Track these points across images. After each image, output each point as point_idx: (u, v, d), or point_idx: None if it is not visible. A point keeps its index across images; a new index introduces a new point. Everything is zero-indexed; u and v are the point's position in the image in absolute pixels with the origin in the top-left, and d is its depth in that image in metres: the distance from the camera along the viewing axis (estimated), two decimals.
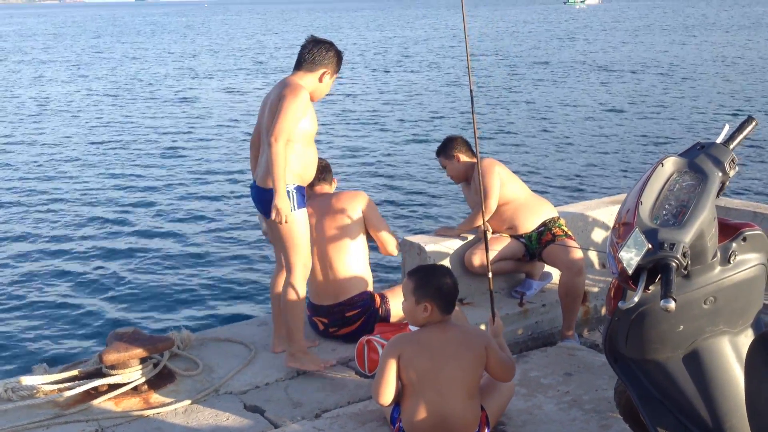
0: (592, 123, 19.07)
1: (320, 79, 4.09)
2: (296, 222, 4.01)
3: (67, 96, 26.55)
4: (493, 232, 5.07)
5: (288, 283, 4.10)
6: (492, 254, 4.95)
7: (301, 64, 4.09)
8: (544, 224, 5.00)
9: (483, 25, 73.81)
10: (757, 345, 2.20)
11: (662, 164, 2.46)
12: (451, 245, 5.13)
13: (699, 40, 46.53)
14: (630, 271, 2.24)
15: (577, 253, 4.80)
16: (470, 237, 5.17)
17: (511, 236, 5.05)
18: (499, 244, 4.99)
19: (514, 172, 5.29)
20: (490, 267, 3.86)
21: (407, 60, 38.56)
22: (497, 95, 24.50)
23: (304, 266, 4.10)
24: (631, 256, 2.23)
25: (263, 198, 4.01)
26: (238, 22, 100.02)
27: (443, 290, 3.05)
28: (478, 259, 4.98)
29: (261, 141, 4.09)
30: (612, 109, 21.09)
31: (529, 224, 5.00)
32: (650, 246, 2.23)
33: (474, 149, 5.22)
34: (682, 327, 2.50)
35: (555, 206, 5.39)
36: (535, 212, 5.02)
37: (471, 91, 3.85)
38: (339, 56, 4.18)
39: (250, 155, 4.31)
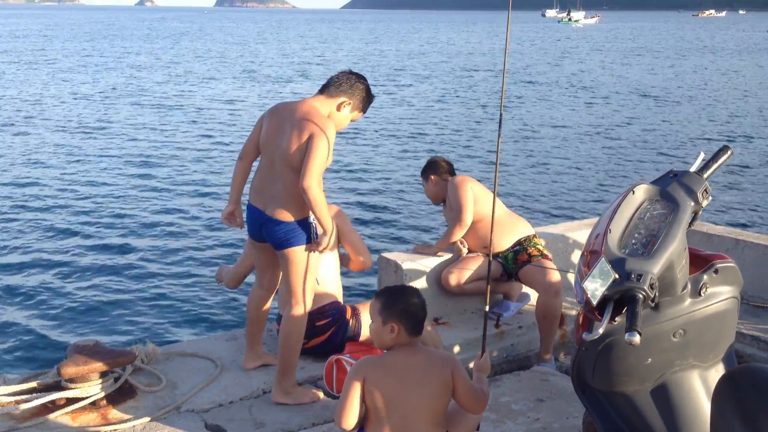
0: (577, 144, 19.07)
1: (338, 108, 3.91)
2: (313, 256, 3.90)
3: (46, 99, 26.24)
4: (468, 251, 4.99)
5: (292, 318, 3.92)
6: (468, 273, 4.90)
7: (324, 89, 3.93)
8: (519, 243, 4.91)
9: (476, 41, 74.14)
10: (725, 383, 2.12)
11: (633, 191, 2.39)
12: (428, 263, 5.04)
13: (690, 63, 46.87)
14: (594, 302, 2.15)
15: (555, 275, 4.72)
16: (447, 256, 5.09)
17: (486, 256, 4.96)
18: (475, 263, 4.91)
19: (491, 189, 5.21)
20: (488, 301, 3.40)
21: (397, 73, 38.58)
22: (482, 112, 24.49)
23: (309, 300, 3.97)
24: (596, 287, 2.14)
25: (278, 230, 3.83)
26: (234, 29, 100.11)
27: (410, 311, 2.95)
28: (454, 278, 4.90)
29: (267, 163, 3.86)
30: (598, 130, 21.12)
31: (504, 242, 4.91)
32: (617, 276, 2.15)
33: (455, 171, 5.16)
34: (650, 360, 2.42)
35: (536, 226, 5.31)
36: (510, 230, 4.94)
37: (501, 115, 3.56)
38: (368, 93, 3.99)
39: (236, 170, 4.01)
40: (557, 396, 4.02)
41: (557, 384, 4.18)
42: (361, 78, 3.99)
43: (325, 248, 3.84)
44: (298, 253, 3.85)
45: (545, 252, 4.94)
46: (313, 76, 36.58)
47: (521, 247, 4.91)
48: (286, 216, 3.81)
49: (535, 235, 5.03)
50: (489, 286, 3.38)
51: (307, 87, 31.39)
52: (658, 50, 60.95)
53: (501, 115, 3.27)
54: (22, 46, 56.38)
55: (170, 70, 39.17)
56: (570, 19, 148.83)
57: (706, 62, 47.64)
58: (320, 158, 3.69)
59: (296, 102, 3.93)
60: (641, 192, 2.40)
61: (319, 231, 3.88)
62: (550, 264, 4.80)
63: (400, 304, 2.94)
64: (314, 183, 3.68)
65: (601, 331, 2.15)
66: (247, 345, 4.32)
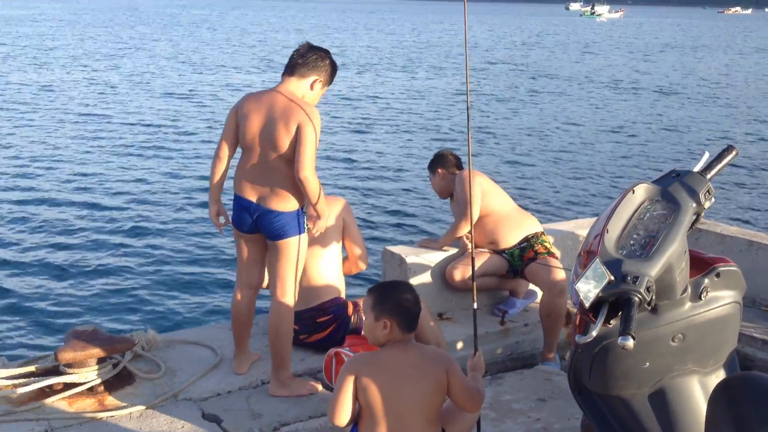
0: (593, 140, 18.91)
1: (311, 87, 3.89)
2: (303, 247, 3.90)
3: (58, 85, 26.26)
4: (475, 246, 4.92)
5: (281, 310, 3.91)
6: None
7: (293, 70, 3.87)
8: (526, 239, 4.84)
9: (498, 34, 73.72)
10: (721, 390, 2.06)
11: (633, 191, 2.32)
12: (433, 258, 4.99)
13: (714, 61, 46.33)
14: (587, 304, 2.09)
15: (560, 273, 4.65)
16: (453, 250, 5.03)
17: (493, 251, 4.90)
18: (481, 259, 4.84)
19: (506, 186, 5.16)
20: (475, 297, 3.39)
21: (412, 65, 38.41)
22: (497, 106, 24.36)
23: (297, 290, 3.97)
24: (589, 288, 2.08)
25: (275, 221, 3.82)
26: (254, 17, 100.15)
27: (403, 306, 2.90)
28: (459, 273, 4.84)
29: (257, 157, 3.82)
30: (615, 127, 20.93)
31: (510, 239, 4.84)
32: (612, 278, 2.09)
33: (462, 165, 5.11)
34: (648, 364, 2.36)
35: (545, 223, 5.24)
36: (517, 226, 4.87)
37: (468, 108, 3.63)
38: (334, 67, 3.97)
39: (215, 170, 3.93)
40: (560, 396, 3.97)
41: (560, 384, 4.12)
42: (325, 51, 3.96)
43: (319, 232, 3.89)
44: (292, 243, 3.86)
45: (552, 250, 4.87)
46: None
47: (528, 243, 4.84)
48: (283, 206, 3.81)
49: (543, 232, 4.96)
50: (475, 283, 3.35)
51: None
52: (681, 47, 60.35)
53: (468, 107, 3.52)
54: (42, 31, 56.64)
55: (187, 57, 39.20)
56: (593, 13, 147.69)
57: (730, 60, 47.12)
58: (312, 146, 3.70)
59: (269, 91, 3.88)
60: (641, 191, 2.33)
61: (309, 222, 3.90)
62: (555, 262, 4.74)
63: (392, 299, 2.90)
64: (311, 172, 3.70)
65: (594, 333, 2.10)
66: (237, 349, 4.19)
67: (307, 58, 3.86)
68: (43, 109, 20.88)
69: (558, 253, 4.97)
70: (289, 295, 3.93)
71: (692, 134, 20.25)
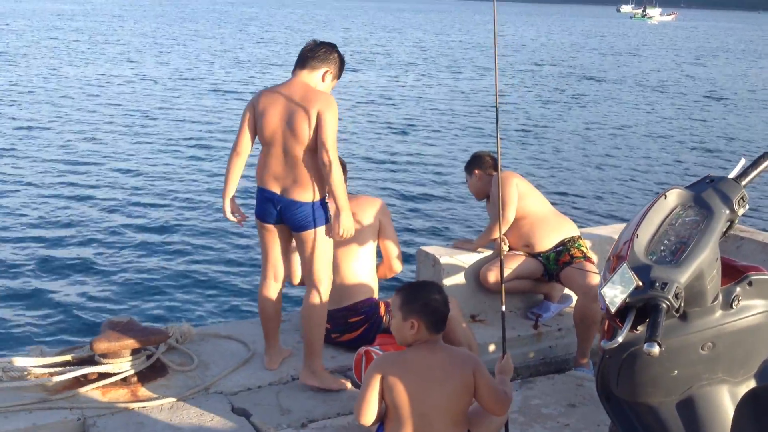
0: (637, 144, 18.61)
1: (323, 78, 3.99)
2: (327, 236, 3.96)
3: (107, 79, 26.61)
4: (509, 249, 4.89)
5: (313, 300, 3.98)
6: (507, 272, 4.78)
7: (304, 63, 3.98)
8: (562, 243, 4.79)
9: (546, 35, 73.13)
10: (747, 400, 2.01)
11: (665, 196, 2.28)
12: (467, 259, 4.97)
13: (760, 66, 45.34)
14: (613, 310, 2.06)
15: (595, 278, 4.59)
16: (487, 252, 5.00)
17: (528, 254, 4.86)
18: (515, 262, 4.81)
19: (545, 188, 5.12)
20: (503, 299, 3.35)
21: (458, 65, 38.26)
22: (541, 108, 24.12)
23: (329, 281, 4.03)
24: (615, 293, 2.05)
25: (300, 211, 3.89)
26: (302, 16, 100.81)
27: (431, 306, 2.89)
28: (493, 275, 4.81)
29: (279, 150, 3.88)
30: (660, 131, 20.57)
31: (546, 242, 4.80)
32: (640, 283, 2.05)
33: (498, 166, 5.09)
34: (676, 372, 2.32)
35: (583, 227, 5.18)
36: (554, 229, 4.82)
37: (497, 109, 3.62)
38: (341, 60, 4.08)
39: (234, 165, 4.00)
40: (590, 402, 3.92)
41: (591, 390, 4.06)
42: (333, 45, 4.08)
43: (345, 233, 3.87)
44: (319, 233, 3.92)
45: (589, 254, 4.81)
46: (375, 64, 36.57)
47: (564, 247, 4.79)
48: (306, 197, 3.87)
49: (580, 236, 4.90)
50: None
51: (368, 75, 31.38)
52: (733, 51, 59.21)
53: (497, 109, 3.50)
54: (93, 26, 57.72)
55: (234, 54, 39.58)
56: (644, 16, 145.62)
57: None
58: (334, 130, 3.80)
59: (283, 84, 3.98)
60: (674, 197, 2.29)
61: (331, 209, 3.93)
62: (591, 267, 4.68)
63: (421, 299, 2.89)
64: (335, 157, 3.78)
65: (620, 339, 2.06)
66: (268, 343, 4.22)
67: (316, 52, 3.99)
68: (92, 104, 21.22)
69: (595, 258, 4.91)
70: (320, 284, 3.97)
71: (739, 141, 19.84)
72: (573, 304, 5.03)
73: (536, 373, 4.67)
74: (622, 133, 20.11)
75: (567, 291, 5.09)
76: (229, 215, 4.10)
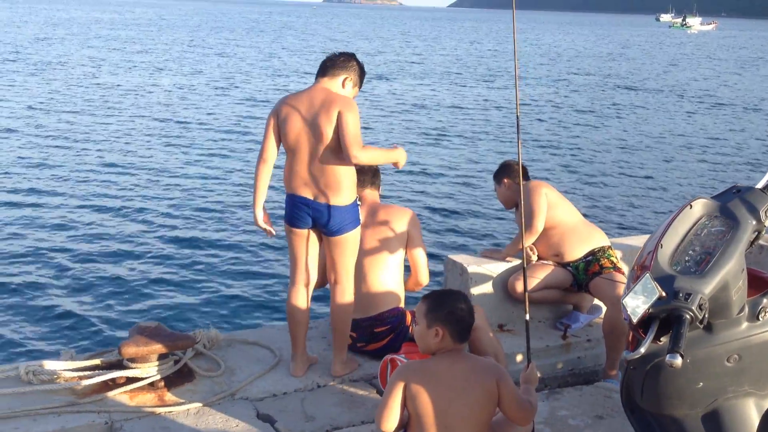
0: (672, 154, 18.40)
1: (343, 85, 4.07)
2: (358, 238, 4.13)
3: (143, 88, 27.01)
4: (538, 259, 4.85)
5: (343, 296, 4.13)
6: (536, 282, 4.74)
7: (324, 71, 4.08)
8: (592, 253, 4.74)
9: (583, 45, 72.65)
10: None
11: (691, 206, 2.25)
12: (495, 268, 4.93)
13: None
14: (635, 320, 2.04)
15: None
16: (516, 261, 4.96)
17: (557, 264, 4.82)
18: (544, 272, 4.76)
19: (576, 198, 5.08)
20: (527, 308, 3.30)
21: (492, 75, 38.13)
22: (575, 117, 23.98)
23: (353, 280, 4.18)
24: (637, 304, 2.03)
25: (335, 216, 3.97)
26: (338, 25, 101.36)
27: (456, 315, 2.88)
28: (521, 285, 4.77)
29: (307, 156, 3.95)
30: (695, 142, 20.34)
31: (576, 252, 4.75)
32: (664, 294, 2.03)
33: (529, 175, 5.05)
34: (701, 384, 2.28)
35: (614, 237, 5.12)
36: (583, 240, 4.77)
37: (517, 118, 3.61)
38: (361, 68, 4.17)
39: (262, 173, 4.04)
40: (618, 414, 3.86)
41: (620, 402, 4.01)
42: (352, 55, 4.19)
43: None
44: (351, 237, 4.05)
45: (619, 264, 4.75)
46: (410, 74, 36.61)
47: (594, 257, 4.74)
48: (341, 201, 3.97)
49: (610, 246, 4.84)
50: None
51: (402, 85, 31.41)
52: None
53: (518, 117, 3.55)
54: (134, 35, 58.64)
55: (269, 63, 39.90)
56: (684, 25, 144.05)
57: None
58: (356, 128, 3.89)
59: (305, 91, 4.07)
60: (699, 207, 2.26)
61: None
62: (621, 277, 4.62)
63: (446, 308, 2.88)
64: (360, 150, 3.85)
65: (642, 350, 2.04)
66: (294, 350, 4.22)
67: (335, 61, 4.10)
68: (128, 112, 21.57)
69: (625, 269, 4.84)
70: (348, 282, 4.15)
71: None
72: (602, 315, 4.97)
73: (564, 384, 4.62)
74: (658, 143, 19.89)
75: (596, 301, 5.03)
76: (261, 223, 4.15)
